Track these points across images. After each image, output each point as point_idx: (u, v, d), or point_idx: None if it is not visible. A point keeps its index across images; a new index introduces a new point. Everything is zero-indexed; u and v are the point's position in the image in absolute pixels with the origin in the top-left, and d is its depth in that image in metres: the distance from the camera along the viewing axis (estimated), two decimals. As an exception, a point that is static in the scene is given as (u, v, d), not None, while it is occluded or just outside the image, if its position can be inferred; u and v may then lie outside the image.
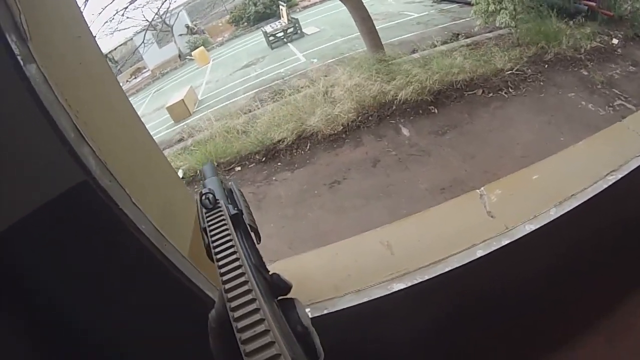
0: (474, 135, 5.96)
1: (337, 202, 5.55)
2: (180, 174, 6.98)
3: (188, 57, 19.81)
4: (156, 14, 14.39)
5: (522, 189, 1.31)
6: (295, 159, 6.74)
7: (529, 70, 6.93)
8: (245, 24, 21.87)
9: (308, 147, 6.83)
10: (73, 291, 0.83)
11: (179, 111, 11.24)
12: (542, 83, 6.64)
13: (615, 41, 7.16)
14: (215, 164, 7.04)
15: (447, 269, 1.07)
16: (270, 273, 0.54)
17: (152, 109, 14.01)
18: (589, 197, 1.16)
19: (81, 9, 0.99)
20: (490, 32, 8.56)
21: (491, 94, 6.65)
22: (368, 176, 5.82)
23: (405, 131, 6.48)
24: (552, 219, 1.14)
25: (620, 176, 1.19)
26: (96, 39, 1.03)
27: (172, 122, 11.14)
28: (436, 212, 1.37)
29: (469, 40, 8.62)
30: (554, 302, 1.24)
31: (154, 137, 1.13)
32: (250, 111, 8.80)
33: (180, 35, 21.04)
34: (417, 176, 5.49)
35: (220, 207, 0.61)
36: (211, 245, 0.53)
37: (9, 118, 0.68)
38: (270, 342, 0.38)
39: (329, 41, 12.66)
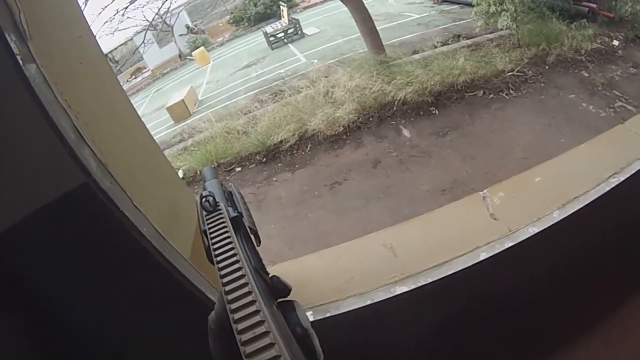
0: (475, 136, 5.97)
1: (337, 203, 5.55)
2: (180, 174, 6.98)
3: (188, 57, 19.81)
4: (156, 14, 14.40)
5: (525, 191, 1.30)
6: (296, 160, 6.75)
7: (530, 71, 6.95)
8: (246, 24, 21.87)
9: (308, 148, 6.83)
10: (73, 292, 0.83)
11: (179, 111, 11.24)
12: (542, 84, 6.65)
13: (615, 43, 7.17)
14: (216, 164, 7.06)
15: (450, 272, 1.07)
16: (270, 275, 0.55)
17: (152, 109, 14.01)
18: (592, 199, 1.16)
19: (82, 8, 0.98)
20: (491, 33, 8.57)
21: (492, 95, 6.67)
22: (369, 177, 5.83)
23: (406, 132, 6.48)
24: (555, 221, 1.13)
25: (622, 179, 1.19)
26: (96, 38, 1.02)
27: (172, 122, 11.14)
28: (439, 215, 1.36)
29: (469, 42, 8.64)
30: (556, 304, 1.23)
31: (154, 137, 1.12)
32: (250, 112, 8.80)
33: (181, 35, 21.04)
34: (418, 177, 5.49)
35: (220, 209, 0.62)
36: (211, 247, 0.53)
37: (8, 119, 0.67)
38: (270, 344, 0.38)
39: (329, 42, 12.66)
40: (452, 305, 1.16)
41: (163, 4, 13.70)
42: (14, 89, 0.65)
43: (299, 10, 20.07)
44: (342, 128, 6.85)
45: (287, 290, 0.54)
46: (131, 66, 22.10)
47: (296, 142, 6.96)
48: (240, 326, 0.40)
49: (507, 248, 1.09)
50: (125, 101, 1.03)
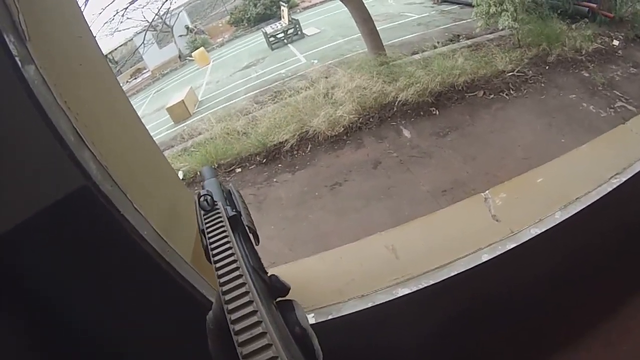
0: (475, 136, 5.97)
1: (338, 204, 5.55)
2: (180, 175, 6.98)
3: (188, 57, 19.81)
4: (156, 14, 14.36)
5: (527, 192, 1.30)
6: (296, 161, 6.75)
7: (530, 71, 6.95)
8: (246, 24, 21.87)
9: (309, 149, 6.83)
10: (73, 294, 0.82)
11: (179, 112, 11.24)
12: (543, 84, 6.66)
13: (616, 43, 7.17)
14: (216, 165, 7.05)
15: (452, 274, 1.06)
16: (268, 274, 0.54)
17: (152, 110, 14.02)
18: (594, 200, 1.16)
19: (81, 9, 0.98)
20: (491, 33, 8.58)
21: (492, 96, 6.67)
22: (369, 178, 5.82)
23: (406, 133, 6.48)
24: (557, 222, 1.13)
25: (624, 179, 1.19)
26: (96, 39, 1.02)
27: (172, 123, 11.15)
28: (441, 216, 1.36)
29: (469, 42, 8.65)
30: (558, 305, 1.23)
31: (154, 138, 1.12)
32: (250, 112, 8.79)
33: (180, 36, 21.05)
34: (419, 178, 5.49)
35: (218, 208, 0.61)
36: (209, 247, 0.52)
37: (7, 121, 0.66)
38: (267, 345, 0.38)
39: (329, 42, 12.67)
40: (455, 307, 1.16)
41: (163, 5, 13.68)
42: (12, 91, 0.64)
43: (298, 10, 20.07)
44: (343, 129, 6.85)
45: (285, 289, 0.53)
46: (131, 67, 22.11)
47: (296, 142, 6.96)
48: (238, 327, 0.39)
49: (510, 249, 1.09)
50: (125, 102, 1.03)
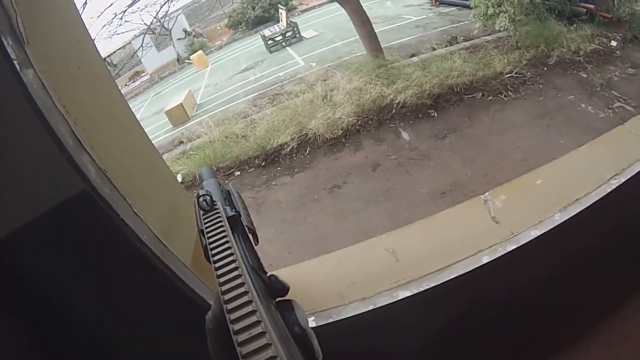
0: (474, 138, 5.97)
1: (337, 207, 5.54)
2: (179, 178, 6.97)
3: (187, 60, 19.81)
4: (155, 17, 14.37)
5: (527, 194, 1.30)
6: (295, 164, 6.74)
7: (529, 73, 6.96)
8: (244, 27, 21.86)
9: (308, 152, 6.82)
10: (73, 298, 0.82)
11: (178, 115, 11.23)
12: (541, 86, 6.67)
13: (614, 43, 7.19)
14: (215, 168, 7.03)
15: (452, 276, 1.06)
16: (268, 274, 0.54)
17: (150, 113, 14.00)
18: (593, 201, 1.16)
19: (80, 12, 0.98)
20: (489, 35, 8.59)
21: (491, 97, 6.68)
22: (368, 180, 5.82)
23: (405, 135, 6.49)
24: (556, 224, 1.13)
25: (623, 180, 1.19)
26: (95, 42, 1.01)
27: (171, 126, 11.14)
28: (441, 219, 1.36)
29: (468, 44, 8.65)
30: (557, 307, 1.23)
31: (153, 141, 1.11)
32: (249, 115, 8.79)
33: (179, 39, 21.05)
34: (417, 180, 5.49)
35: (217, 208, 0.61)
36: (208, 247, 0.52)
37: (5, 124, 0.66)
38: (266, 345, 0.37)
39: (327, 45, 12.67)
40: (455, 309, 1.16)
41: (161, 8, 13.70)
42: (11, 94, 0.64)
43: (297, 13, 20.06)
44: (341, 131, 6.84)
45: (285, 289, 0.53)
46: (129, 70, 22.07)
47: (295, 145, 6.95)
48: (237, 327, 0.39)
49: (510, 251, 1.09)
50: (123, 105, 1.02)
